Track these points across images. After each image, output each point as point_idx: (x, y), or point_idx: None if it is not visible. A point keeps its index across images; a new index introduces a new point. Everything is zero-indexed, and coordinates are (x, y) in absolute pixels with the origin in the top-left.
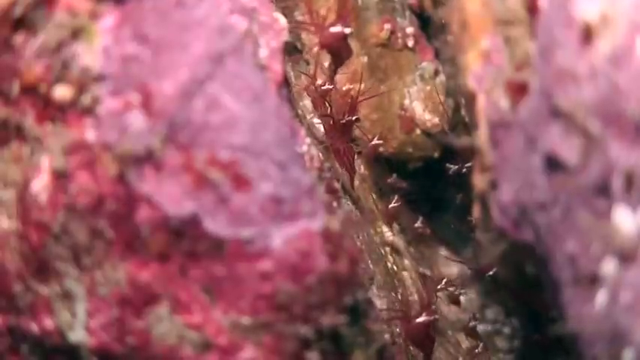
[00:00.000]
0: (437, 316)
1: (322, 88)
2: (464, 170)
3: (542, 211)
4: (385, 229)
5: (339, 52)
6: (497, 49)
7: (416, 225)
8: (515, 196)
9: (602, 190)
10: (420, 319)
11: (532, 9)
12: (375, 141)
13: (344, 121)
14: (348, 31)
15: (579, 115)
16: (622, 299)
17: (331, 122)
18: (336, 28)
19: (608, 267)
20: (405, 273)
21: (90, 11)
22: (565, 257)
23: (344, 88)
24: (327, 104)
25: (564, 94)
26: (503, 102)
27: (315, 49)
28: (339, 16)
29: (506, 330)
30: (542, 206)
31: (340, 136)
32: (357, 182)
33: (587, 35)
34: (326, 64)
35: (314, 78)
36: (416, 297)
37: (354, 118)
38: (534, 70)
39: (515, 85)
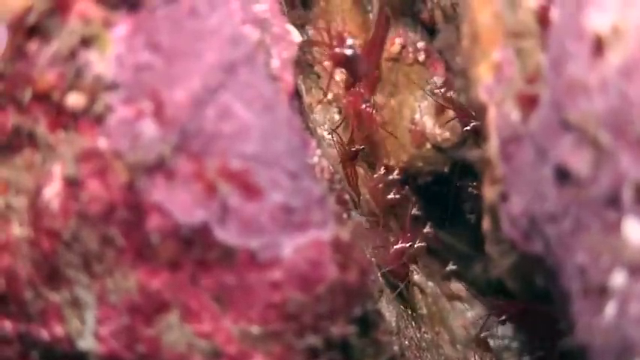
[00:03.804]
0: None
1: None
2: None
3: (552, 223)
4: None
5: (353, 69)
6: (508, 61)
7: (425, 232)
8: (525, 208)
9: (612, 201)
10: None
11: (543, 21)
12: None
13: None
14: (349, 52)
15: (590, 127)
16: (631, 311)
17: None
18: (347, 50)
19: (618, 279)
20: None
21: (103, 19)
22: (575, 269)
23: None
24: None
25: (575, 106)
26: (514, 114)
27: (326, 63)
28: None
29: (515, 345)
30: (552, 218)
31: None
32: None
33: (598, 47)
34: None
35: (326, 91)
36: (425, 311)
37: None
38: (545, 82)
39: (526, 97)
